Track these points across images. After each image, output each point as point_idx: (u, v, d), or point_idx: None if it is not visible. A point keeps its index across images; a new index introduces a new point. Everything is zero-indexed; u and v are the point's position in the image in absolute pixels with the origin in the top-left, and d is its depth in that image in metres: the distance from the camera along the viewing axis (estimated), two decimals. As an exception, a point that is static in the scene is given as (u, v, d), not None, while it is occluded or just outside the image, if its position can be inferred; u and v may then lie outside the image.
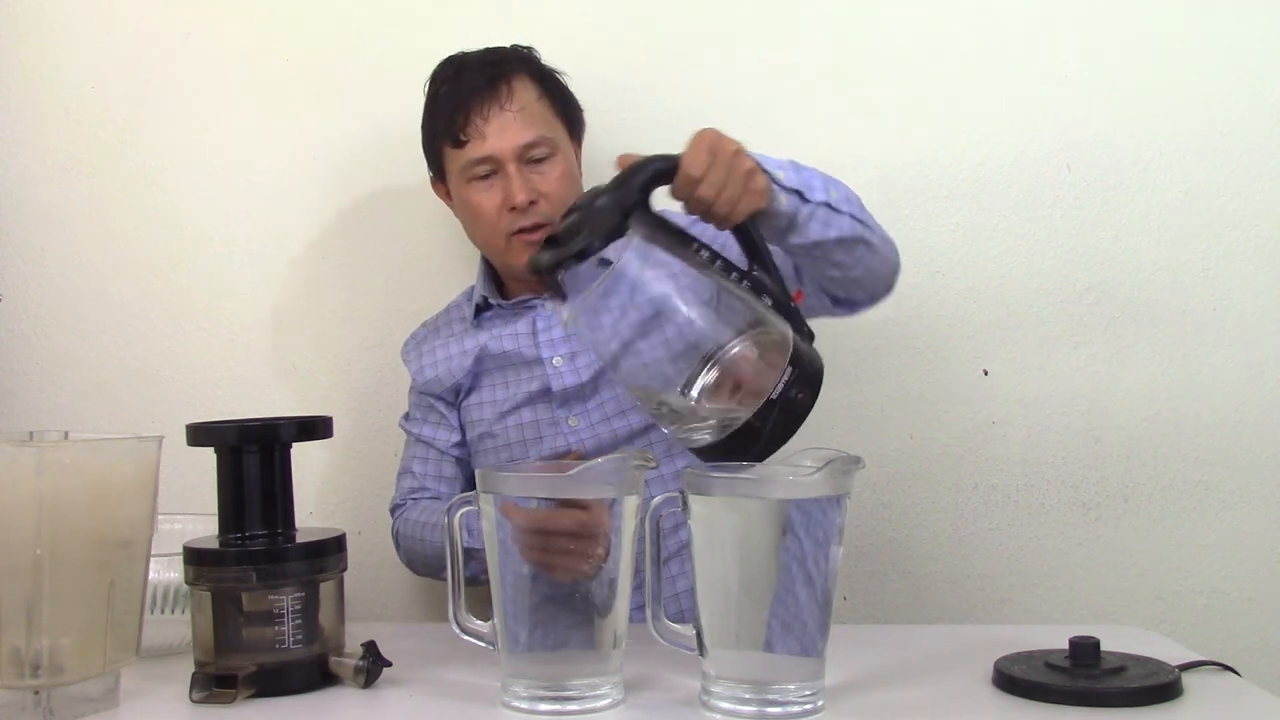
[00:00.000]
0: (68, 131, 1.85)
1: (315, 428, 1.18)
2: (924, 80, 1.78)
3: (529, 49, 1.56)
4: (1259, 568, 1.76)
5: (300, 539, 1.12)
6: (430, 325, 1.66)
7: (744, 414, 1.05)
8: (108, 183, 1.85)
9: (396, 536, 1.58)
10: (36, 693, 0.99)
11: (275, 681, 1.07)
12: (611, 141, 1.62)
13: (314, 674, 1.09)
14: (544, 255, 1.09)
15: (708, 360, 1.08)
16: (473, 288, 1.63)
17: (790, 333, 1.08)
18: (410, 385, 1.64)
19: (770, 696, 0.99)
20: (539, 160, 1.49)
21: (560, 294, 1.09)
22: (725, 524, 1.01)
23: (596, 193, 1.10)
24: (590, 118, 1.61)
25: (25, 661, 0.98)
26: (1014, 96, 1.77)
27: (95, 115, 1.85)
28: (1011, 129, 1.77)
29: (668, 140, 1.73)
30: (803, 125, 1.79)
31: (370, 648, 1.10)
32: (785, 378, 1.05)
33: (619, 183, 1.10)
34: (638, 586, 1.06)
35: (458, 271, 1.81)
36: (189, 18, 1.84)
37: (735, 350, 1.09)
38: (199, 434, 1.15)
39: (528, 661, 1.04)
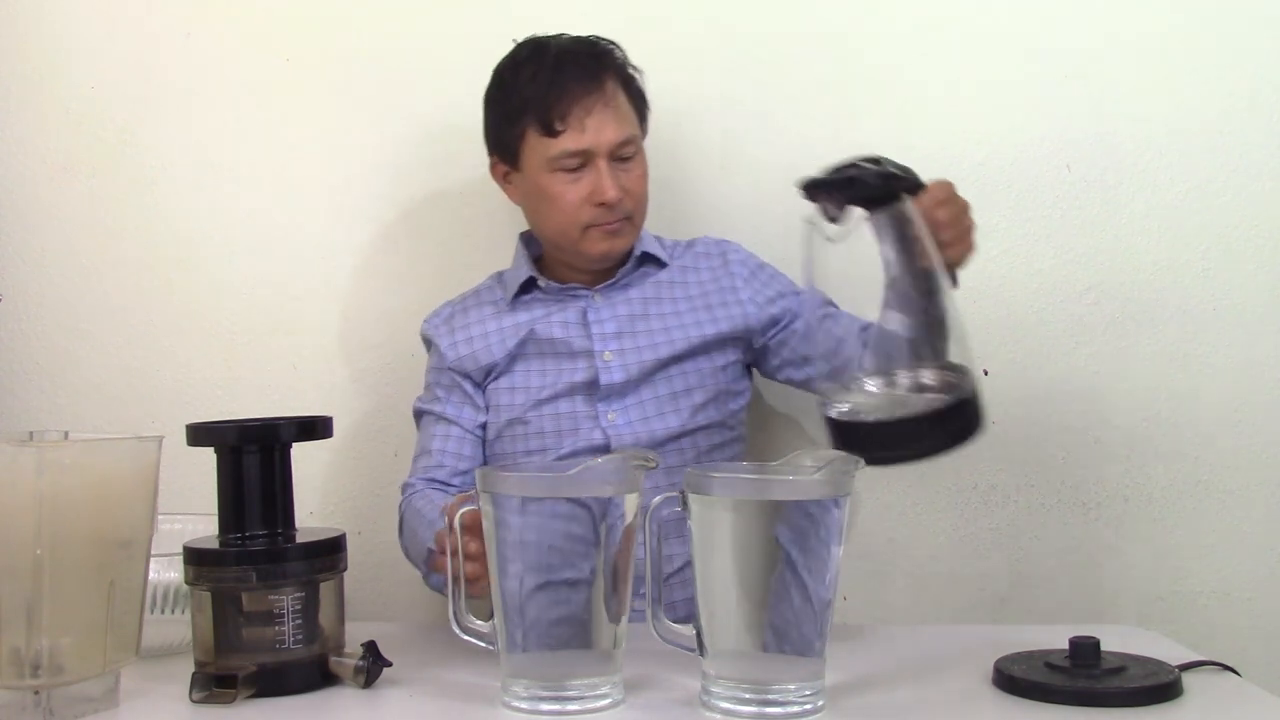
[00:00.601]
0: (68, 131, 1.85)
1: (315, 428, 1.18)
2: (924, 80, 1.78)
3: (614, 43, 1.56)
4: (1259, 568, 1.76)
5: (300, 539, 1.12)
6: (458, 304, 1.63)
7: (943, 399, 1.11)
8: (108, 183, 1.85)
9: (400, 519, 1.54)
10: (36, 693, 0.99)
11: (275, 681, 1.07)
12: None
13: (314, 674, 1.09)
14: (817, 176, 1.16)
15: (921, 361, 1.15)
16: (501, 273, 1.63)
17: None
18: (430, 365, 1.61)
19: (770, 696, 0.99)
20: (627, 158, 1.51)
21: (830, 213, 1.15)
22: (725, 524, 1.01)
23: (887, 159, 1.18)
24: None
25: (25, 661, 0.98)
26: (1014, 96, 1.77)
27: (95, 115, 1.85)
28: (1011, 129, 1.77)
29: (668, 137, 1.73)
30: (802, 125, 1.79)
31: (370, 648, 1.10)
32: (975, 389, 1.12)
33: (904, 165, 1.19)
34: (640, 593, 1.06)
35: (458, 271, 1.80)
36: (189, 18, 1.84)
37: (939, 364, 1.16)
38: (199, 434, 1.15)
39: (528, 661, 1.04)
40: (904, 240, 1.16)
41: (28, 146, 1.85)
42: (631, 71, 1.55)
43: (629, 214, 1.51)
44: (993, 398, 1.75)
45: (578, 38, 1.54)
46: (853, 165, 1.17)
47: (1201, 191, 1.76)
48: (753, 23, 1.80)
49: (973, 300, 1.77)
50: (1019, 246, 1.77)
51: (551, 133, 1.48)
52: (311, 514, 1.81)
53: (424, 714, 1.05)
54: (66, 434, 1.21)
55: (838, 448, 1.12)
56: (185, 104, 1.84)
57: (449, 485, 1.54)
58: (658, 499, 1.04)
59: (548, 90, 1.48)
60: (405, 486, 1.56)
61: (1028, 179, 1.77)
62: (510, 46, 1.57)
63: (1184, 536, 1.74)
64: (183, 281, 1.84)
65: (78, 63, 1.85)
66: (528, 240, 1.64)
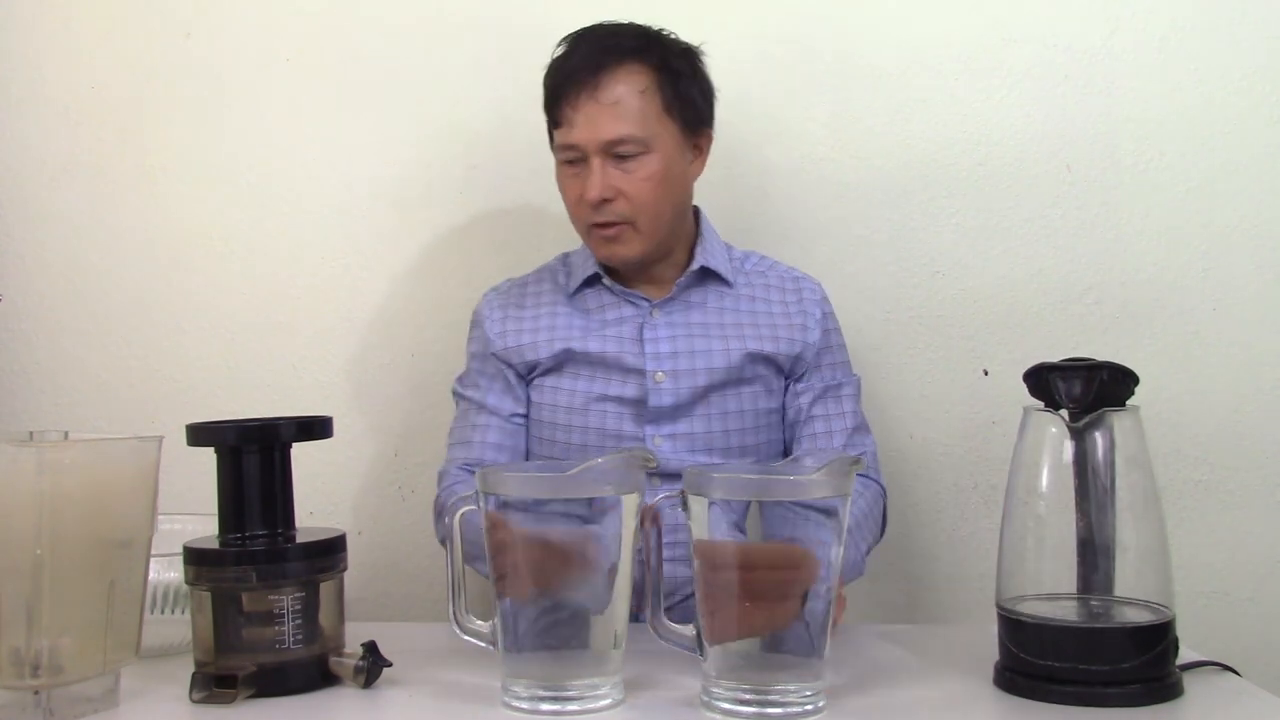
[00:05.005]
0: (68, 132, 1.85)
1: (315, 428, 1.18)
2: (924, 80, 1.78)
3: (658, 32, 1.49)
4: (1259, 568, 1.76)
5: (300, 539, 1.12)
6: (518, 283, 1.58)
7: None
8: (108, 183, 1.85)
9: (440, 509, 1.49)
10: (36, 693, 0.99)
11: (275, 681, 1.07)
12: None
13: (314, 674, 1.09)
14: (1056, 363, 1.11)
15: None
16: (567, 254, 1.58)
17: None
18: (473, 348, 1.55)
19: (770, 696, 0.99)
20: (625, 157, 1.42)
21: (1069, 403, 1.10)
22: (725, 524, 1.01)
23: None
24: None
25: (25, 661, 0.97)
26: (1014, 96, 1.77)
27: (95, 115, 1.85)
28: (1011, 129, 1.77)
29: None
30: (803, 124, 1.79)
31: (370, 648, 1.10)
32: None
33: None
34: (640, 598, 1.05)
35: (458, 271, 1.81)
36: (189, 18, 1.84)
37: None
38: (199, 434, 1.14)
39: (528, 661, 1.04)
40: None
41: (28, 146, 1.85)
42: (669, 63, 1.46)
43: (626, 218, 1.44)
44: (993, 398, 1.77)
45: (608, 24, 1.48)
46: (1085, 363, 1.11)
47: (1201, 191, 1.76)
48: (754, 23, 1.80)
49: (973, 300, 1.78)
50: (1019, 246, 1.77)
51: (555, 124, 1.45)
52: (311, 514, 1.81)
53: (424, 714, 1.05)
54: (66, 434, 1.21)
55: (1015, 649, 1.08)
56: (185, 104, 1.84)
57: None
58: (658, 498, 1.04)
59: (552, 78, 1.46)
60: (442, 475, 1.52)
61: (1028, 179, 1.77)
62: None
63: (1184, 536, 1.74)
64: (183, 281, 1.84)
65: (78, 63, 1.85)
66: None
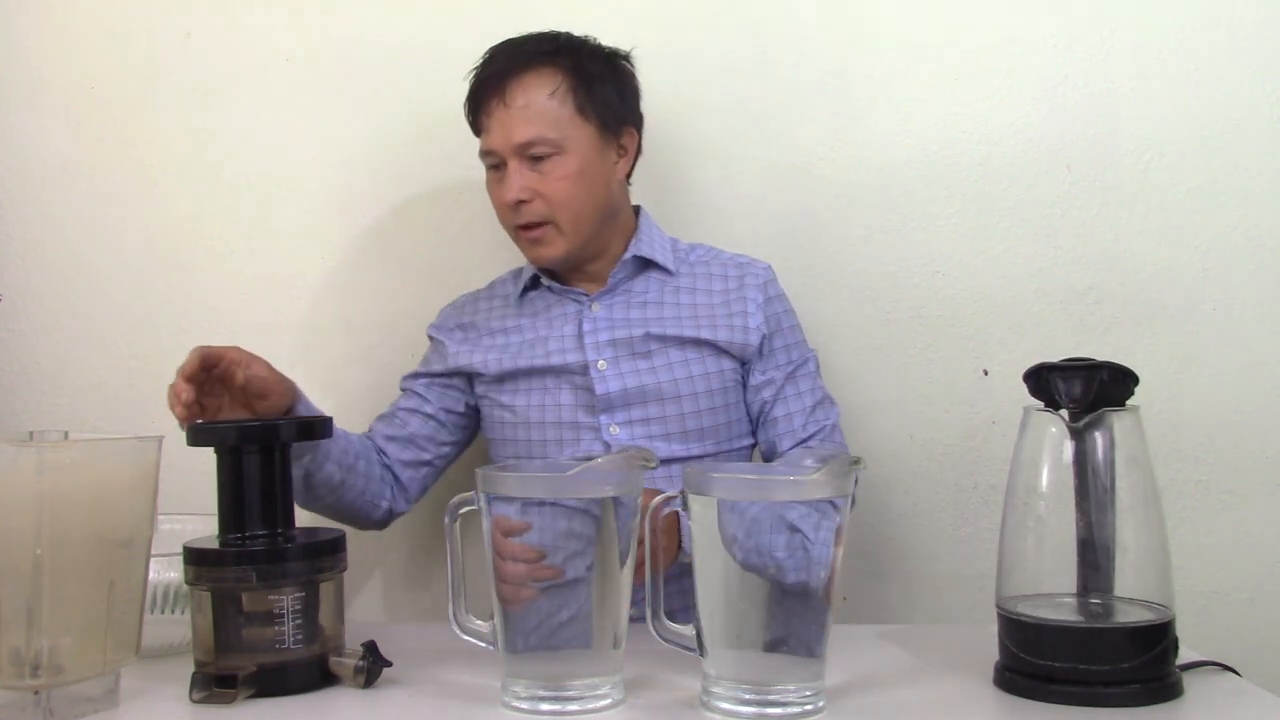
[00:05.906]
0: (68, 131, 1.85)
1: (315, 428, 1.18)
2: (924, 80, 1.78)
3: (579, 38, 1.53)
4: (1259, 568, 1.76)
5: (300, 539, 1.12)
6: (471, 296, 1.65)
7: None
8: (108, 183, 1.85)
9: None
10: (36, 693, 0.99)
11: (275, 681, 1.07)
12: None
13: (314, 674, 1.10)
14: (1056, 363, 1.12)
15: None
16: (520, 269, 1.63)
17: None
18: (430, 351, 1.64)
19: (770, 697, 0.99)
20: (540, 158, 1.47)
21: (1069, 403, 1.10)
22: (725, 524, 1.01)
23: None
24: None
25: (25, 661, 0.98)
26: (1014, 96, 1.77)
27: (95, 115, 1.85)
28: (1011, 129, 1.77)
29: (668, 137, 1.73)
30: (803, 125, 1.79)
31: (370, 648, 1.10)
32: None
33: None
34: (640, 596, 1.05)
35: (456, 272, 1.81)
36: (189, 18, 1.84)
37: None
38: (199, 434, 1.15)
39: (528, 661, 1.04)
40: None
41: (28, 146, 1.85)
42: (584, 65, 1.49)
43: (546, 218, 1.48)
44: (993, 398, 1.77)
45: (528, 35, 1.52)
46: (1085, 363, 1.11)
47: (1201, 191, 1.76)
48: (753, 23, 1.79)
49: (973, 300, 1.78)
50: (1019, 246, 1.77)
51: (476, 132, 1.52)
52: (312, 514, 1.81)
53: (424, 714, 1.05)
54: (66, 434, 1.21)
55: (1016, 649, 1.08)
56: (185, 104, 1.84)
57: (384, 447, 1.59)
58: (658, 499, 1.04)
59: (470, 88, 1.52)
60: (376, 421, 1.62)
61: (1028, 179, 1.77)
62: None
63: (1184, 536, 1.74)
64: (183, 281, 1.84)
65: (78, 63, 1.85)
66: None
